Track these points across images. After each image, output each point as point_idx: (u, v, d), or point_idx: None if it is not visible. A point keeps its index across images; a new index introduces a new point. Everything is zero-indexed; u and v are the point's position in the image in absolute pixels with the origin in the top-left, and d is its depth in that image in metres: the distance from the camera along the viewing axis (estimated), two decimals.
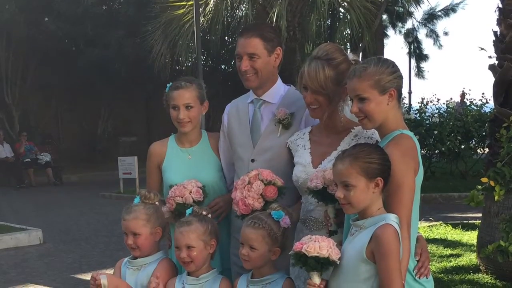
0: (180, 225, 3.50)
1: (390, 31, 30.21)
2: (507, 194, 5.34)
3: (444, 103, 17.77)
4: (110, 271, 4.07)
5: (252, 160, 3.88)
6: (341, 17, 20.50)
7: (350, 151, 3.02)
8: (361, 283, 2.93)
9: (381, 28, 22.14)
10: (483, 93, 17.09)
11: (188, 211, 3.60)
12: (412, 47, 31.59)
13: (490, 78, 7.44)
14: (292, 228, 3.49)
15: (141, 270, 3.65)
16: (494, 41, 7.55)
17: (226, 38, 23.75)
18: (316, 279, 2.96)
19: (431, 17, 31.08)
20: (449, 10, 30.58)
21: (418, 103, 16.97)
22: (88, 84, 24.31)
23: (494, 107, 7.76)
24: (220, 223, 3.83)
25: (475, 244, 7.93)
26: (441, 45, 31.52)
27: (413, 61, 32.13)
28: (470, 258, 8.06)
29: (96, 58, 23.34)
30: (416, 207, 3.12)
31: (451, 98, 19.20)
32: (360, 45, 18.01)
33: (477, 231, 7.96)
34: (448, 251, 8.60)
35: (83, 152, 26.06)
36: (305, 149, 3.63)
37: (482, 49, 7.33)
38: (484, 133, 15.38)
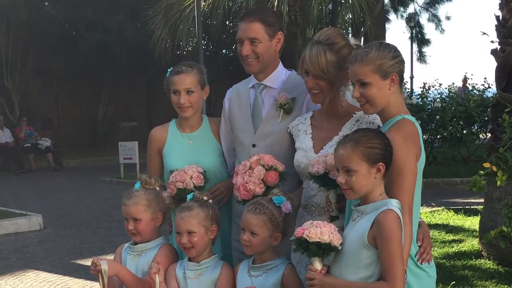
0: (181, 211, 3.48)
1: (392, 16, 30.20)
2: (509, 179, 5.31)
3: (446, 88, 17.71)
4: (111, 257, 4.06)
5: (253, 145, 3.86)
6: (342, 1, 20.45)
7: (351, 136, 3.00)
8: (362, 269, 2.92)
9: (383, 13, 22.11)
10: (485, 78, 17.12)
11: (189, 196, 3.58)
12: (414, 31, 31.61)
13: (492, 63, 7.43)
14: (293, 214, 3.48)
15: (141, 255, 3.64)
16: (496, 26, 7.52)
17: (227, 22, 23.71)
18: (318, 265, 2.95)
19: (433, 2, 31.07)
20: None
21: (420, 88, 16.94)
22: (89, 69, 24.29)
23: (496, 92, 7.73)
24: (221, 208, 3.82)
25: (477, 229, 7.92)
26: (443, 30, 31.59)
27: (415, 46, 32.19)
28: (472, 243, 8.06)
29: (96, 43, 23.30)
30: (418, 192, 3.11)
31: (453, 83, 19.13)
32: (362, 29, 18.00)
33: (479, 216, 7.96)
34: (450, 237, 8.60)
35: (84, 137, 26.09)
36: (306, 134, 3.61)
37: (484, 33, 7.29)
38: (486, 118, 15.35)
